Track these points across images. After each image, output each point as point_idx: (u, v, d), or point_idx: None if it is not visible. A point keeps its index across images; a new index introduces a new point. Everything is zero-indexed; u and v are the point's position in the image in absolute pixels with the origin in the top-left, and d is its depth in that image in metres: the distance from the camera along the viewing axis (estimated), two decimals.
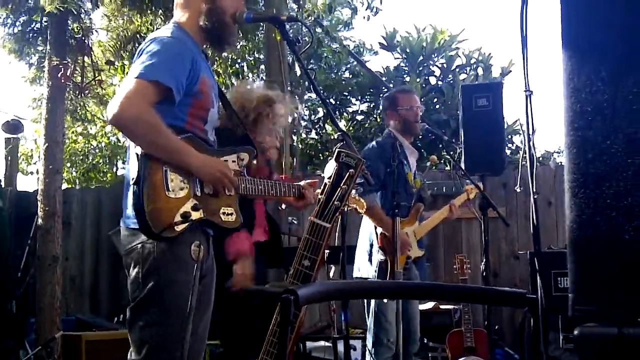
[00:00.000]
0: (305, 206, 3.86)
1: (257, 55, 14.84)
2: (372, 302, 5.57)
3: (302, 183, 3.81)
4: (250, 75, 15.67)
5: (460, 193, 7.68)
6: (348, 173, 2.77)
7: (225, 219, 3.40)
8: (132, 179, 3.14)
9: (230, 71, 14.39)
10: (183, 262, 3.24)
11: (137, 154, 3.15)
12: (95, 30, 8.65)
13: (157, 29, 3.65)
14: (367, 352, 5.60)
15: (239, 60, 14.35)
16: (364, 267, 5.61)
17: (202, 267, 3.37)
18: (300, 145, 15.21)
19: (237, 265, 4.30)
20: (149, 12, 8.63)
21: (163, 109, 3.19)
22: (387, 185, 5.39)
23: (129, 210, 3.27)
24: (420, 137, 6.27)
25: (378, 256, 5.48)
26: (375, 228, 5.52)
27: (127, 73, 3.53)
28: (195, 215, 3.23)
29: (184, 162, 3.22)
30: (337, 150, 2.84)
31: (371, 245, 5.59)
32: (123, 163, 16.26)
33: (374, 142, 5.83)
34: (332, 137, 15.78)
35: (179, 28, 3.46)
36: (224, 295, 4.16)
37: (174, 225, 3.14)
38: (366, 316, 5.63)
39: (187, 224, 3.18)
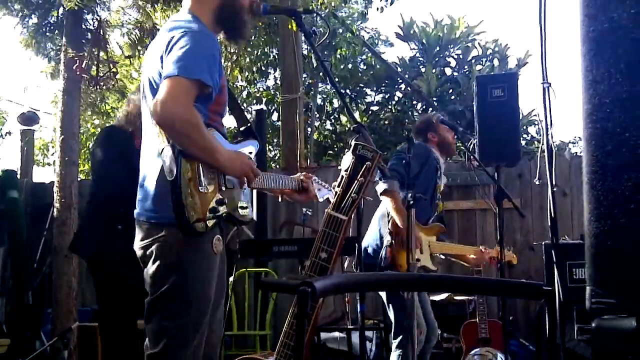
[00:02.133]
0: (308, 199, 3.86)
1: (268, 50, 14.86)
2: (389, 301, 5.60)
3: (298, 176, 3.81)
4: (270, 70, 15.70)
5: (475, 185, 7.71)
6: (365, 165, 2.77)
7: (242, 213, 3.43)
8: (172, 173, 3.14)
9: (255, 68, 14.45)
10: (205, 256, 3.27)
11: (172, 151, 3.16)
12: (108, 23, 8.69)
13: None
14: (393, 349, 5.58)
15: (262, 57, 14.41)
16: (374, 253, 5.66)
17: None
18: (314, 137, 15.22)
19: None
20: (163, 5, 8.67)
21: (197, 107, 3.20)
22: (417, 184, 5.43)
23: (149, 204, 3.29)
24: None
25: (385, 240, 5.52)
26: (388, 215, 5.55)
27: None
28: (222, 209, 3.26)
29: (214, 159, 3.23)
30: (353, 142, 2.84)
31: (380, 237, 5.63)
32: None
33: (421, 144, 5.95)
34: (347, 129, 15.76)
35: (197, 19, 3.42)
36: None
37: (205, 220, 3.16)
38: (390, 313, 5.62)
39: (215, 220, 3.22)
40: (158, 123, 3.19)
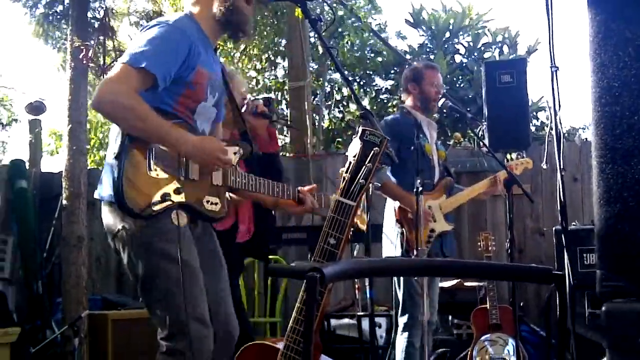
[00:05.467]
0: (303, 212, 3.88)
1: (277, 39, 14.87)
2: (401, 281, 5.55)
3: (300, 189, 3.82)
4: (279, 60, 15.71)
5: (484, 171, 7.64)
6: (372, 151, 2.77)
7: (209, 207, 3.44)
8: (113, 154, 3.19)
9: (264, 57, 14.43)
10: (165, 232, 3.29)
11: (121, 134, 3.21)
12: (115, 12, 8.68)
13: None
14: (399, 332, 5.55)
15: (271, 46, 14.42)
16: (390, 246, 5.59)
17: (192, 234, 3.44)
18: (323, 125, 15.19)
19: None
20: None
21: (151, 95, 3.24)
22: (404, 160, 5.31)
23: (108, 188, 3.31)
24: (444, 114, 6.22)
25: (398, 231, 5.46)
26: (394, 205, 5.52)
27: None
28: (176, 198, 3.27)
29: (168, 143, 3.26)
30: (361, 128, 2.83)
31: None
32: None
33: (389, 118, 5.83)
34: (355, 117, 15.74)
35: (187, 17, 3.49)
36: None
37: (151, 205, 3.19)
38: (396, 295, 5.59)
39: (164, 205, 3.22)
40: (92, 106, 3.26)
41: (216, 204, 3.45)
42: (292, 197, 3.77)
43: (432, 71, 5.82)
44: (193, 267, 3.36)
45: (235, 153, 3.57)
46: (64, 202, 7.65)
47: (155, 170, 3.23)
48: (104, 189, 3.35)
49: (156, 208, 3.20)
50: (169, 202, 3.23)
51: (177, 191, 3.27)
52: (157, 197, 3.20)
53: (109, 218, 3.36)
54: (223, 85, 3.68)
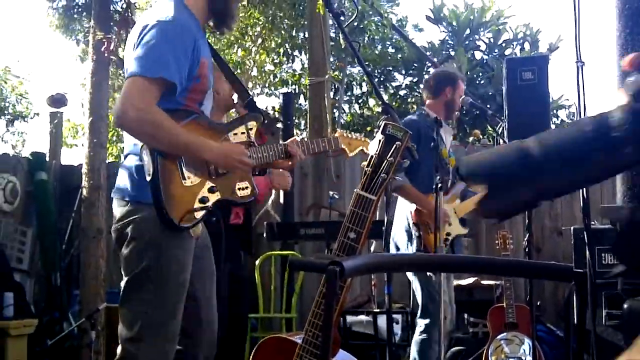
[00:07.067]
0: (294, 164, 3.79)
1: (295, 33, 14.90)
2: (417, 284, 5.53)
3: (285, 143, 3.73)
4: (296, 53, 15.72)
5: None
6: (394, 145, 2.76)
7: (241, 194, 3.43)
8: (149, 174, 3.13)
9: (281, 51, 14.43)
10: (181, 239, 3.26)
11: (149, 151, 3.16)
12: (137, 5, 8.70)
13: None
14: (418, 332, 5.52)
15: (289, 40, 14.42)
16: (403, 246, 5.58)
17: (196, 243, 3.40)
18: (342, 120, 15.19)
19: None
20: None
21: (161, 99, 3.16)
22: (419, 162, 5.27)
23: (128, 184, 3.29)
24: (464, 111, 6.19)
25: (415, 234, 5.45)
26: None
27: None
28: (213, 197, 3.28)
29: (197, 156, 3.24)
30: (383, 122, 2.82)
31: (409, 225, 5.56)
32: None
33: (407, 118, 5.80)
34: (374, 112, 15.72)
35: (180, 3, 3.37)
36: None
37: (193, 212, 3.18)
38: (417, 295, 5.56)
39: (204, 211, 3.23)
40: (116, 125, 3.23)
41: (246, 187, 3.44)
42: (282, 155, 3.71)
43: (463, 84, 5.92)
44: (186, 286, 3.32)
45: (251, 129, 3.55)
46: (84, 194, 7.70)
47: (189, 177, 3.22)
48: (122, 188, 3.33)
49: (198, 215, 3.22)
50: (207, 206, 3.23)
51: (211, 190, 3.28)
52: (196, 204, 3.21)
53: (122, 209, 3.31)
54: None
